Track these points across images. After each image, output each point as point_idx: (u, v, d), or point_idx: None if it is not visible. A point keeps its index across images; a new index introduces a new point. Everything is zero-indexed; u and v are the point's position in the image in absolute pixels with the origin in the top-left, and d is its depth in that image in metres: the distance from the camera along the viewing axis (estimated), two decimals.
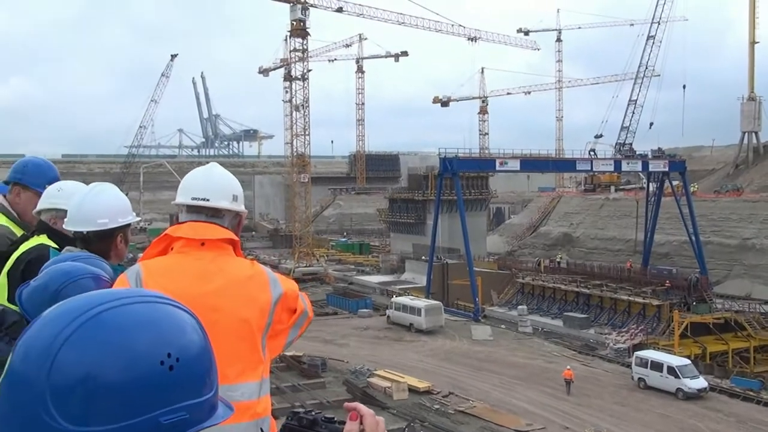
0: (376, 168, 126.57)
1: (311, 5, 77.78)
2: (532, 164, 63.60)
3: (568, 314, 51.74)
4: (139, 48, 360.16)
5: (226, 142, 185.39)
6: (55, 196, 3.63)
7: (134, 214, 3.33)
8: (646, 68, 76.44)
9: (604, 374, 37.56)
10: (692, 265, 60.92)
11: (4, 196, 4.23)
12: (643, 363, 35.24)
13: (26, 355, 1.01)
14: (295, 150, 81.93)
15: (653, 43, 75.88)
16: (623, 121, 75.86)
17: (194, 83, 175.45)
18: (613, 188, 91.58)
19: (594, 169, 71.05)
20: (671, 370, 33.86)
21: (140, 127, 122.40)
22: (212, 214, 2.60)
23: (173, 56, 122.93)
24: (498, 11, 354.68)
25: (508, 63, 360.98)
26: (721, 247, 66.49)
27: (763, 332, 45.11)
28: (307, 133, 79.70)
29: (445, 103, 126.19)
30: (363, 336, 45.17)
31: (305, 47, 78.79)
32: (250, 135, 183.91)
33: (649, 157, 64.87)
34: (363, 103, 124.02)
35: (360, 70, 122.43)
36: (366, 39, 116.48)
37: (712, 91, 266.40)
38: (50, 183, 3.91)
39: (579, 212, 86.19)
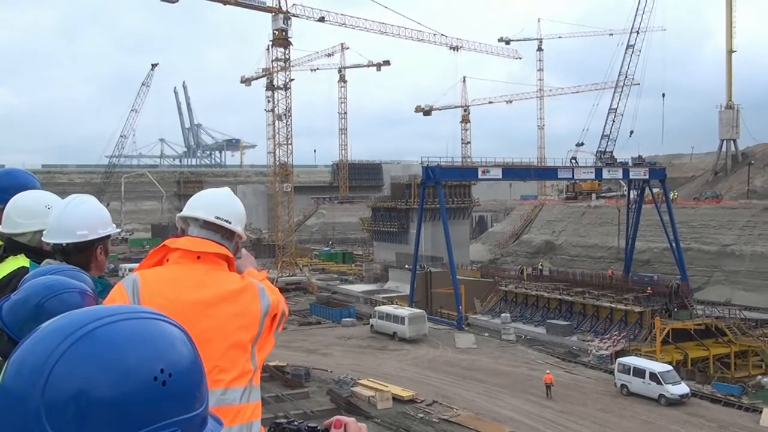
0: (358, 177, 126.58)
1: (293, 15, 77.77)
2: (514, 172, 63.89)
3: (550, 322, 51.93)
4: (120, 57, 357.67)
5: (208, 152, 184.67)
6: (46, 215, 3.39)
7: (114, 225, 3.31)
8: (626, 77, 77.12)
9: (587, 381, 37.72)
10: (673, 271, 61.44)
11: None
12: (626, 369, 35.43)
13: (19, 372, 1.00)
14: (277, 159, 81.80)
15: (632, 52, 76.60)
16: (604, 129, 76.40)
17: (176, 92, 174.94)
18: (594, 196, 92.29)
19: (575, 177, 71.45)
20: (653, 377, 34.07)
21: (121, 136, 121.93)
22: (227, 236, 2.71)
23: (154, 65, 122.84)
24: (479, 21, 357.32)
25: (490, 72, 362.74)
26: (701, 254, 67.21)
27: (744, 338, 45.52)
28: (289, 142, 79.58)
29: (427, 112, 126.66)
30: (346, 345, 45.05)
31: (287, 56, 78.77)
32: (233, 144, 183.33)
33: (630, 164, 65.39)
34: (345, 113, 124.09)
35: (342, 79, 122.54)
36: (348, 48, 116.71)
37: (691, 99, 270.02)
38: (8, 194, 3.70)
39: (561, 220, 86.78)
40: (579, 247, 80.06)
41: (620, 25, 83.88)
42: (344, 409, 28.96)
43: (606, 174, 68.04)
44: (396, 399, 31.18)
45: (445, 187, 63.01)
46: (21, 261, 3.38)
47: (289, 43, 78.23)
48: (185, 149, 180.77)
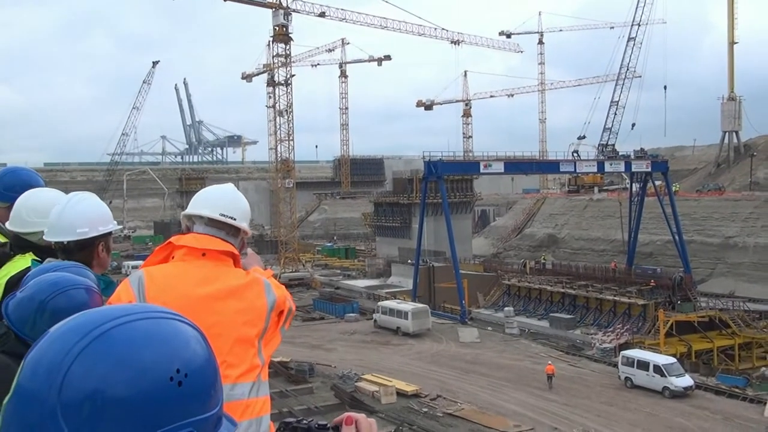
0: (360, 172, 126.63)
1: (294, 10, 77.68)
2: (516, 166, 63.86)
3: (554, 315, 51.91)
4: (122, 55, 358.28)
5: (209, 149, 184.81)
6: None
7: (115, 222, 3.29)
8: (627, 70, 77.00)
9: (591, 374, 37.71)
10: (676, 264, 61.41)
11: None
12: (630, 362, 35.43)
13: (35, 372, 1.00)
14: (279, 155, 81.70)
15: (633, 45, 76.46)
16: (605, 122, 76.33)
17: (177, 90, 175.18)
18: (596, 189, 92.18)
19: (577, 171, 71.46)
20: (657, 369, 34.06)
21: (123, 134, 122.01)
22: (232, 233, 2.71)
23: (155, 63, 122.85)
24: (480, 14, 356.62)
25: (491, 66, 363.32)
26: (704, 246, 67.15)
27: (747, 330, 45.51)
28: (291, 138, 79.51)
29: (428, 107, 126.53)
30: (350, 340, 45.12)
31: (288, 52, 78.66)
32: (234, 141, 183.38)
33: (632, 157, 65.28)
34: (347, 108, 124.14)
35: (343, 74, 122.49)
36: (349, 44, 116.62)
37: (693, 91, 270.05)
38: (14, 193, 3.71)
39: (563, 213, 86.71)
40: (582, 240, 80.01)
41: (621, 17, 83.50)
42: (348, 404, 29.02)
43: (608, 167, 67.97)
44: (400, 393, 31.23)
45: (447, 182, 62.96)
46: (29, 259, 3.38)
47: (290, 39, 78.12)
48: (187, 146, 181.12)
